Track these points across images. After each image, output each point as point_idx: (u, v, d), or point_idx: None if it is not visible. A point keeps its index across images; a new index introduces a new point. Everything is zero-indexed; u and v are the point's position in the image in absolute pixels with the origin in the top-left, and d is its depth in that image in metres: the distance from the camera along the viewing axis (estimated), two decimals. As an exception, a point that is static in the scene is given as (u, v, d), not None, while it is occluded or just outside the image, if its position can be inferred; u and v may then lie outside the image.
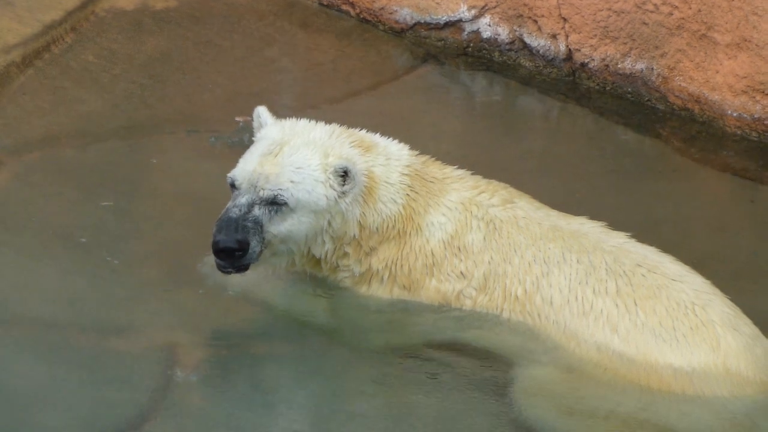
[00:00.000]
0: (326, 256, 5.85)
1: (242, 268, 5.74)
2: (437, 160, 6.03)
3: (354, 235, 5.80)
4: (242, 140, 7.38)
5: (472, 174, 6.00)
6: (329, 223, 5.76)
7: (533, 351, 5.61)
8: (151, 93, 7.86)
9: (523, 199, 5.89)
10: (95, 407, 5.27)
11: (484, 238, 5.76)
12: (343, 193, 5.72)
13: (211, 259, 6.16)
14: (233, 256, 5.66)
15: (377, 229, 5.81)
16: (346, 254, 5.85)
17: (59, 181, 6.81)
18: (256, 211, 5.71)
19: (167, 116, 7.61)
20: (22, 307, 5.83)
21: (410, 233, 5.81)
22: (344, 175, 5.70)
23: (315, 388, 5.51)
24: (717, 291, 5.59)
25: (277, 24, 8.89)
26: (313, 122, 5.91)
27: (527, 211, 5.82)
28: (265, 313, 5.97)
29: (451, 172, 5.96)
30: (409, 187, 5.84)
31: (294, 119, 5.96)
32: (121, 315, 5.84)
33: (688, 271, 5.63)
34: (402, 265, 5.82)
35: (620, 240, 5.72)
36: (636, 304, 5.49)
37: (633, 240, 5.75)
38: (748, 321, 5.55)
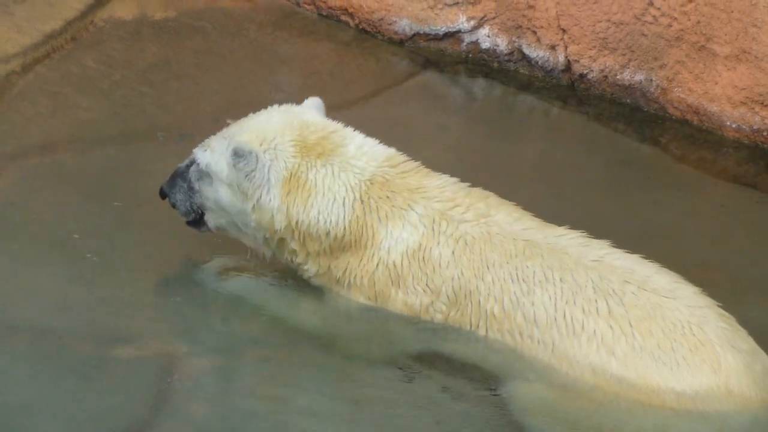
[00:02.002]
0: (269, 245, 5.93)
1: (189, 222, 6.12)
2: (424, 167, 5.91)
3: (279, 229, 5.83)
4: None
5: (457, 183, 5.87)
6: (249, 205, 5.85)
7: (520, 369, 5.53)
8: (150, 100, 7.87)
9: (501, 212, 5.75)
10: (92, 416, 5.24)
11: (453, 253, 5.65)
12: (245, 175, 5.81)
13: (208, 267, 6.18)
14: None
15: (318, 235, 5.79)
16: (293, 250, 5.88)
17: (58, 187, 6.80)
18: (192, 168, 5.98)
19: (165, 123, 7.61)
20: (19, 314, 5.80)
21: (367, 246, 5.75)
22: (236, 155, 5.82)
23: (310, 397, 5.49)
24: (709, 302, 5.50)
25: (276, 34, 8.91)
26: (300, 112, 5.97)
27: (503, 225, 5.68)
28: (262, 321, 5.95)
29: (431, 182, 5.84)
30: (360, 201, 5.76)
31: (292, 105, 6.02)
32: (119, 323, 5.82)
33: (678, 282, 5.54)
34: (362, 276, 5.77)
35: (601, 252, 5.59)
36: (631, 326, 5.39)
37: (615, 250, 5.63)
38: (743, 334, 5.48)
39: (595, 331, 5.42)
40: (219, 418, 5.32)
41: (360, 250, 5.76)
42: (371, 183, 5.79)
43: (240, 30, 8.87)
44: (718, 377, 5.31)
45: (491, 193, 5.86)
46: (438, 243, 5.69)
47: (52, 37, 8.27)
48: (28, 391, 5.29)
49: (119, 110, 7.72)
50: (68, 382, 5.39)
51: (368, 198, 5.77)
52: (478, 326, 5.62)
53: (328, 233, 5.77)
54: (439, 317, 5.70)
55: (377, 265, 5.74)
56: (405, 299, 5.73)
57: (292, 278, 6.06)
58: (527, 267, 5.56)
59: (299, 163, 5.80)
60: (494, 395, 5.50)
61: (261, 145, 5.81)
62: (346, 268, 5.80)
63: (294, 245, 5.86)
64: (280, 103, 6.09)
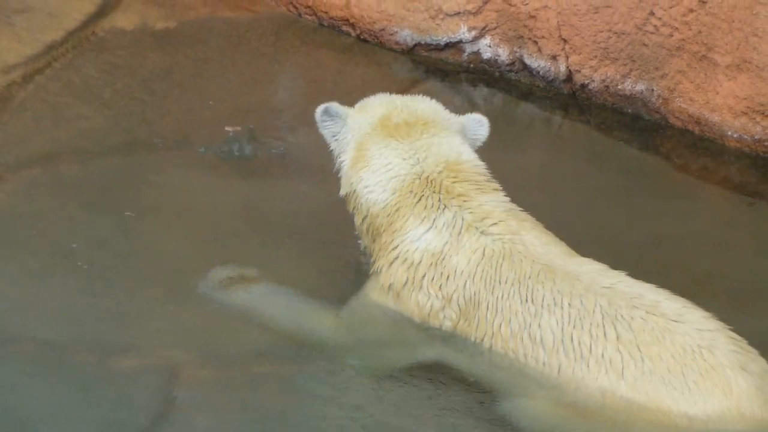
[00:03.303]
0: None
1: None
2: (493, 184, 5.93)
3: (344, 195, 6.03)
4: (231, 150, 7.43)
5: (507, 203, 5.87)
6: (336, 168, 6.13)
7: (525, 386, 5.50)
8: (152, 109, 7.88)
9: (532, 234, 5.74)
10: (95, 427, 5.24)
11: (468, 262, 5.66)
12: (331, 134, 6.10)
13: (212, 277, 6.17)
14: None
15: (361, 209, 5.94)
16: (354, 221, 6.07)
17: (60, 198, 6.80)
18: None
19: (167, 132, 7.62)
20: (23, 325, 5.79)
21: (395, 236, 5.81)
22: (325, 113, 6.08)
23: (316, 410, 5.48)
24: (719, 325, 5.46)
25: (277, 43, 8.93)
26: (422, 103, 6.14)
27: (528, 246, 5.68)
28: (268, 332, 5.91)
29: (480, 196, 5.85)
30: (400, 191, 5.84)
31: (436, 103, 6.20)
32: (123, 334, 5.81)
33: (686, 306, 5.50)
34: (382, 265, 5.82)
35: (614, 280, 5.56)
36: (640, 351, 5.36)
37: (629, 279, 5.59)
38: (754, 355, 5.44)
39: (603, 355, 5.39)
40: (222, 431, 5.30)
41: (389, 238, 5.82)
42: (418, 178, 5.86)
43: (241, 39, 8.89)
44: (729, 401, 5.26)
45: (532, 218, 5.85)
46: (457, 252, 5.71)
47: (53, 47, 8.30)
48: (31, 402, 5.29)
49: (121, 119, 7.73)
50: (71, 393, 5.39)
51: (409, 191, 5.84)
52: (483, 340, 5.62)
53: (368, 210, 5.91)
54: (448, 324, 5.71)
55: (397, 256, 5.78)
56: (417, 299, 5.74)
57: (297, 287, 6.07)
58: (538, 290, 5.55)
59: (370, 135, 5.95)
60: (498, 411, 5.49)
61: (358, 113, 6.05)
62: (378, 254, 5.87)
63: (354, 215, 6.05)
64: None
